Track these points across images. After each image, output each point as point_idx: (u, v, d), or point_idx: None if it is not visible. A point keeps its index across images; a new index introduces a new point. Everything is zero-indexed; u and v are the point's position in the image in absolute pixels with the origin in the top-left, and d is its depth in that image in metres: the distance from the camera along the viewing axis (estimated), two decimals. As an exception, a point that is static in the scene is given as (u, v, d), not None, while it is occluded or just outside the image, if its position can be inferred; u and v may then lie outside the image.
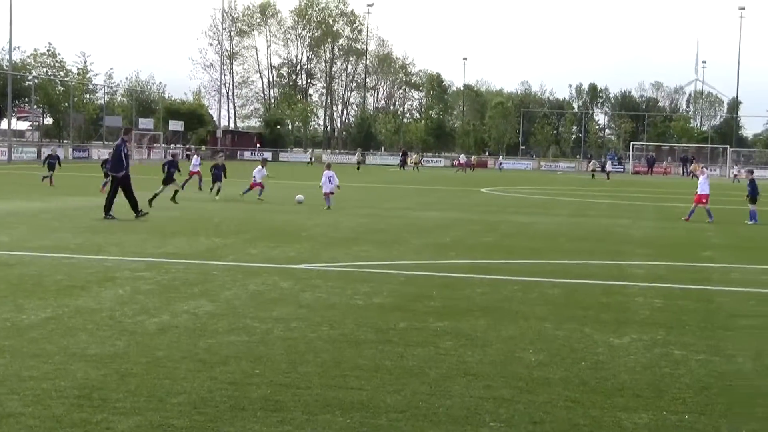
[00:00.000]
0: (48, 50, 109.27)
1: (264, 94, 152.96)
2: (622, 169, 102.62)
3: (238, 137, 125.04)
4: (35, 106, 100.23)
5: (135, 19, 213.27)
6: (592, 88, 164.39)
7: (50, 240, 18.52)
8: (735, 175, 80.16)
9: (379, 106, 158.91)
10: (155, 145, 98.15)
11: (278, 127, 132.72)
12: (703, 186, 29.58)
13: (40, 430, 6.55)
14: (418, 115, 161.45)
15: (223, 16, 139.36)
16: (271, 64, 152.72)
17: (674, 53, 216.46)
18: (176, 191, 29.81)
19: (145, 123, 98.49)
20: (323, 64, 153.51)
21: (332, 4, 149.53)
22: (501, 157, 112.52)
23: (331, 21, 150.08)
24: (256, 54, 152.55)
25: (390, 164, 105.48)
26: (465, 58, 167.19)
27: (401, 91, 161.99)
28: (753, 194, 29.30)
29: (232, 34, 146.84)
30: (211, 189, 33.64)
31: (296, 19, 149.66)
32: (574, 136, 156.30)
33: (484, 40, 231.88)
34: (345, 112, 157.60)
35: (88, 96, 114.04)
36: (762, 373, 8.94)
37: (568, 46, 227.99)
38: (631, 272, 16.39)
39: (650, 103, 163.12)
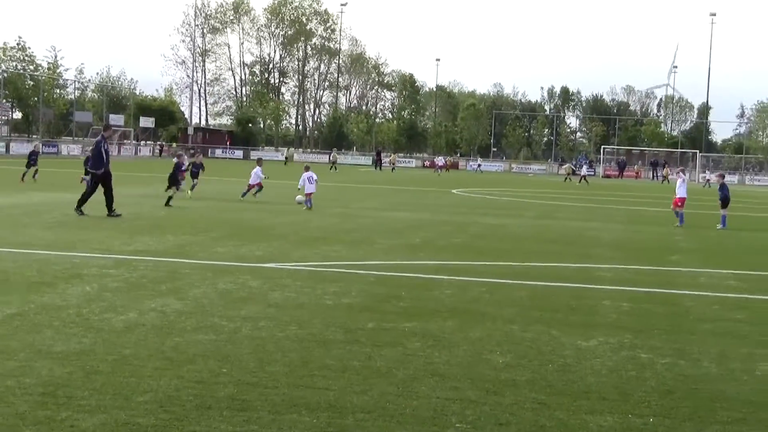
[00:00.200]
0: (18, 44, 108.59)
1: (236, 91, 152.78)
2: (593, 173, 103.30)
3: (210, 135, 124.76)
4: (4, 101, 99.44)
5: (107, 14, 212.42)
6: (564, 91, 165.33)
7: (19, 236, 18.38)
8: (707, 180, 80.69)
9: (352, 105, 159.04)
10: (126, 141, 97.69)
11: (250, 125, 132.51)
12: (680, 189, 29.77)
13: (3, 428, 6.49)
14: (390, 115, 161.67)
15: (195, 12, 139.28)
16: (243, 62, 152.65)
17: (646, 58, 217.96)
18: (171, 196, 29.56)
19: (116, 119, 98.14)
20: (296, 62, 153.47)
21: (306, 2, 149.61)
22: (479, 159, 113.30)
23: (304, 19, 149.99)
24: (229, 51, 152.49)
25: (362, 164, 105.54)
26: (438, 59, 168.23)
27: (374, 91, 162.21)
28: (724, 199, 29.47)
29: (205, 31, 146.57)
30: (192, 188, 33.37)
31: (269, 17, 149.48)
32: (545, 139, 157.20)
33: (458, 42, 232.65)
34: (317, 111, 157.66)
35: (58, 91, 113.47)
36: (726, 376, 9.00)
37: (540, 49, 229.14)
38: (600, 275, 16.46)
39: (621, 107, 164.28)
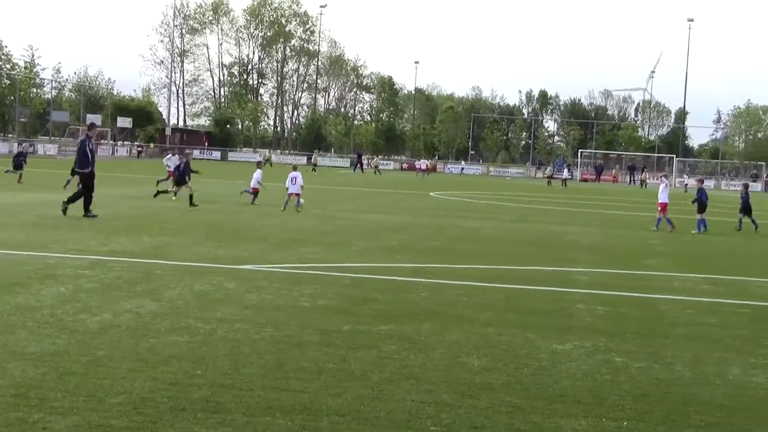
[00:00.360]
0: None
1: (214, 92, 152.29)
2: (570, 176, 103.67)
3: (188, 135, 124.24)
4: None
5: (85, 14, 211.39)
6: (543, 94, 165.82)
7: (-8, 235, 18.26)
8: (685, 185, 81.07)
9: (330, 107, 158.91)
10: (103, 141, 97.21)
11: (228, 126, 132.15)
12: (661, 195, 29.92)
13: (-25, 429, 6.45)
14: (368, 117, 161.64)
15: (174, 13, 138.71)
16: (222, 63, 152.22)
17: (625, 62, 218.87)
18: (173, 192, 29.44)
19: (93, 119, 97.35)
20: (275, 64, 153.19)
21: (285, 4, 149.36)
22: (463, 162, 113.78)
23: (283, 21, 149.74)
24: (208, 52, 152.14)
25: (340, 166, 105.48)
26: (417, 62, 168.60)
27: (352, 93, 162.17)
28: (702, 203, 29.60)
29: (184, 31, 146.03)
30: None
31: (249, 18, 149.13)
32: (523, 143, 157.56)
33: (437, 45, 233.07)
34: (295, 112, 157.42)
35: (35, 90, 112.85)
36: (699, 380, 9.05)
37: (519, 53, 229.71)
38: (576, 279, 16.52)
39: (599, 111, 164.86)
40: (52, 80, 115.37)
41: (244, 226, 23.24)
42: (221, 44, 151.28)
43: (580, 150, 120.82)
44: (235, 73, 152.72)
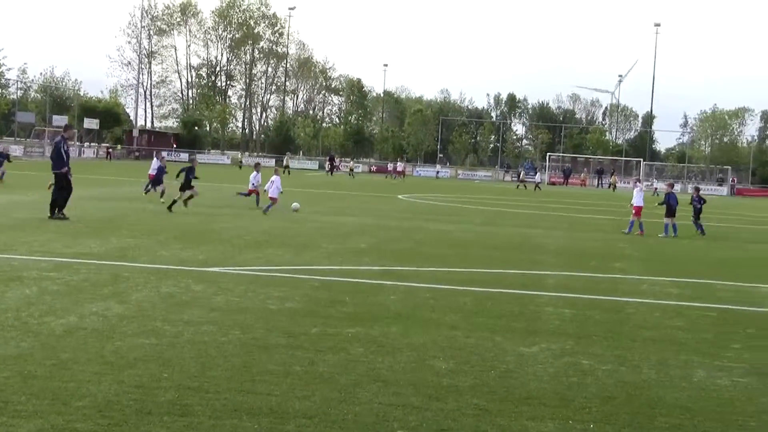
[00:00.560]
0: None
1: (182, 94, 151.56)
2: (538, 180, 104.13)
3: (155, 137, 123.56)
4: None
5: (51, 14, 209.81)
6: (511, 98, 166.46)
7: (-44, 237, 18.09)
8: (655, 189, 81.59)
9: (299, 109, 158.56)
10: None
11: (196, 128, 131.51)
12: (636, 198, 30.15)
13: (-62, 433, 6.39)
14: (337, 120, 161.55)
15: (142, 14, 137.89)
16: (190, 64, 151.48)
17: (593, 67, 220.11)
18: (191, 196, 28.83)
19: (60, 120, 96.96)
20: (243, 66, 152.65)
21: (254, 6, 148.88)
22: (438, 166, 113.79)
23: (252, 23, 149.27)
24: (176, 54, 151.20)
25: (309, 168, 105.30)
26: (386, 65, 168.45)
27: (321, 95, 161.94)
28: (670, 207, 29.75)
29: (152, 32, 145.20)
30: (159, 193, 32.79)
31: (217, 19, 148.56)
32: (491, 146, 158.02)
33: (405, 47, 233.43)
34: (264, 114, 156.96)
35: (0, 91, 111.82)
36: (665, 383, 9.11)
37: (488, 56, 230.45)
38: (543, 282, 16.57)
39: (567, 114, 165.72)
40: (17, 81, 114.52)
41: (211, 228, 23.16)
42: (189, 46, 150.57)
43: (548, 153, 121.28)
44: (204, 74, 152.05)
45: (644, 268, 19.76)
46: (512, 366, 9.43)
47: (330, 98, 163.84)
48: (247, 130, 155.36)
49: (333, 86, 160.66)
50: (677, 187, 37.30)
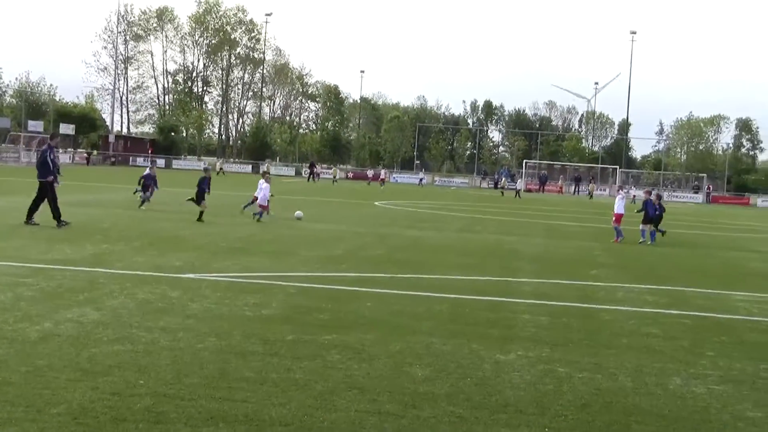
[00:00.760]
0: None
1: (159, 99, 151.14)
2: (519, 187, 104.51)
3: (131, 143, 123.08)
4: None
5: (27, 19, 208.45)
6: (488, 105, 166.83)
7: (-70, 242, 17.95)
8: (633, 196, 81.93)
9: (275, 115, 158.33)
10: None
11: (172, 133, 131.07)
12: (617, 206, 30.37)
13: None
14: (314, 126, 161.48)
15: (118, 19, 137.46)
16: (166, 70, 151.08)
17: (569, 74, 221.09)
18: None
19: (35, 125, 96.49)
20: (220, 71, 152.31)
21: (231, 12, 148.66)
22: (421, 173, 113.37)
23: (229, 29, 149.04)
24: (152, 59, 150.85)
25: (285, 174, 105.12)
26: (362, 71, 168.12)
27: (298, 101, 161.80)
28: (648, 214, 29.89)
29: (128, 38, 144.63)
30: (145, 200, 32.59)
31: (194, 25, 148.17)
32: (468, 152, 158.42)
33: (382, 54, 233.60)
34: (240, 120, 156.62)
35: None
36: (640, 390, 9.14)
37: (464, 63, 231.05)
38: (519, 289, 16.61)
39: (543, 121, 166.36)
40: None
41: (186, 234, 23.08)
42: (166, 51, 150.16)
43: (524, 160, 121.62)
44: (180, 80, 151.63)
45: (620, 276, 19.83)
46: (489, 373, 9.45)
47: (307, 104, 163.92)
48: (223, 136, 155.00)
49: (310, 92, 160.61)
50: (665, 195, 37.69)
